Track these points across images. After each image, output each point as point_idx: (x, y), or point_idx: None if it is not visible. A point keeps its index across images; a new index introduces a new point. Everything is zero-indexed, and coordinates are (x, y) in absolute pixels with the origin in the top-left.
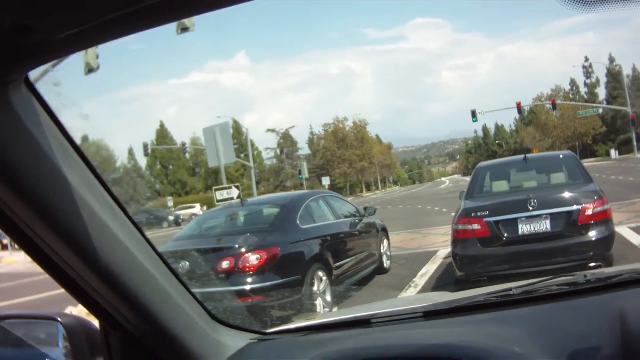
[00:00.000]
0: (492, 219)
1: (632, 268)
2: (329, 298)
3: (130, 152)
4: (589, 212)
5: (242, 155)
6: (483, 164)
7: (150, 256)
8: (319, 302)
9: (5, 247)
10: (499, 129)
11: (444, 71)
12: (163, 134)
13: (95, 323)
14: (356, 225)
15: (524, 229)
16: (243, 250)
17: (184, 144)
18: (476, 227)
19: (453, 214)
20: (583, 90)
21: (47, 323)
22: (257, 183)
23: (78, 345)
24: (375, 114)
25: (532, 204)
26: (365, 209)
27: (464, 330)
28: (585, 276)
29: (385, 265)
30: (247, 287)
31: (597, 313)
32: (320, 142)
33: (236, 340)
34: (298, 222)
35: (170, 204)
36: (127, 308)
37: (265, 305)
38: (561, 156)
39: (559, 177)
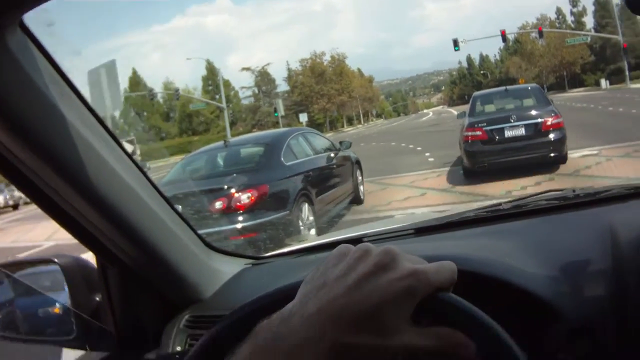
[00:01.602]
0: (488, 128)
1: (621, 184)
2: (314, 230)
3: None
4: (549, 123)
5: (217, 97)
6: (477, 93)
7: (145, 187)
8: (306, 233)
9: (16, 207)
10: (483, 59)
11: (427, 2)
12: (136, 81)
13: (92, 261)
14: (333, 159)
15: (508, 133)
16: (234, 190)
17: (151, 90)
18: (478, 133)
19: (428, 155)
20: (569, 19)
21: (48, 268)
22: (233, 123)
23: (75, 283)
24: (357, 48)
25: (513, 118)
26: (341, 143)
27: (455, 243)
28: (574, 191)
29: (360, 195)
30: (241, 225)
31: (587, 226)
32: (298, 78)
33: (231, 266)
34: (282, 159)
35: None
36: (124, 240)
37: (265, 240)
38: (529, 88)
39: (529, 102)
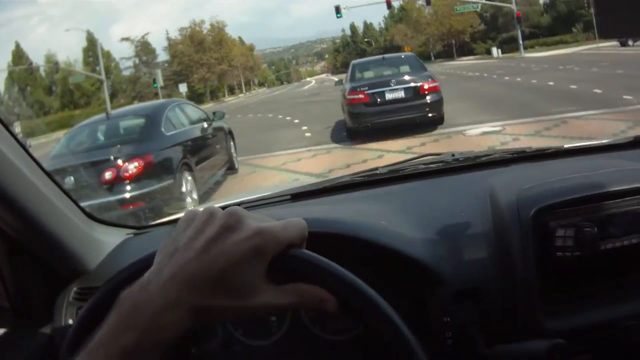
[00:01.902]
0: (370, 91)
1: (502, 149)
2: (195, 196)
3: None
4: (426, 86)
5: (97, 68)
6: (355, 61)
7: (26, 162)
8: (188, 201)
9: None
10: (367, 27)
11: None
12: (19, 55)
13: None
14: (207, 130)
15: (388, 96)
16: (120, 160)
17: (30, 63)
18: (361, 96)
19: (306, 129)
20: None
21: None
22: (114, 96)
23: None
24: (241, 16)
25: (393, 82)
26: (214, 113)
27: (331, 207)
28: (453, 155)
29: (235, 164)
30: (129, 195)
31: (467, 190)
32: (178, 48)
33: (113, 237)
34: (162, 129)
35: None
36: (9, 215)
37: (145, 209)
38: (405, 56)
39: (405, 68)
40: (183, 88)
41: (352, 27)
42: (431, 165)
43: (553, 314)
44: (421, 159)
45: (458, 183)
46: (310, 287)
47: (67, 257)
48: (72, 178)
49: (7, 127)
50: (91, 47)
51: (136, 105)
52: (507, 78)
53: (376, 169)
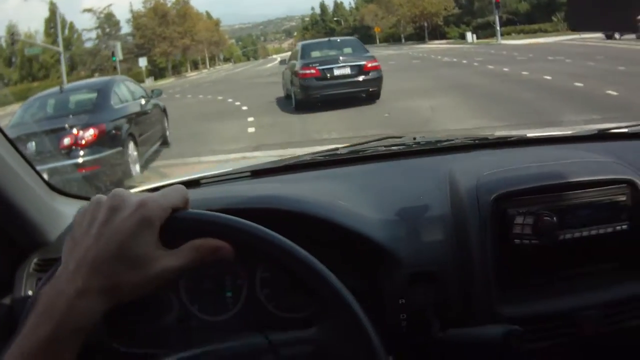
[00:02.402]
0: (320, 67)
1: (463, 135)
2: (138, 165)
3: None
4: (369, 65)
5: (58, 40)
6: (304, 42)
7: None
8: (133, 168)
9: None
10: (337, 5)
11: None
12: None
13: None
14: (146, 105)
15: (336, 72)
16: (76, 129)
17: (12, 34)
18: (313, 71)
19: (251, 121)
20: None
21: None
22: (73, 68)
23: None
24: None
25: (340, 60)
26: (152, 91)
27: (290, 185)
28: (415, 138)
29: (168, 139)
30: (85, 159)
31: (427, 174)
32: (141, 20)
33: (73, 208)
34: (111, 102)
35: None
36: None
37: (99, 173)
38: (347, 39)
39: (348, 50)
40: (143, 62)
41: (322, 6)
42: (392, 148)
43: (510, 301)
44: (382, 141)
45: (418, 166)
46: (202, 240)
47: (28, 227)
48: (33, 144)
49: None
50: (53, 17)
51: (87, 80)
52: (490, 67)
53: (337, 149)
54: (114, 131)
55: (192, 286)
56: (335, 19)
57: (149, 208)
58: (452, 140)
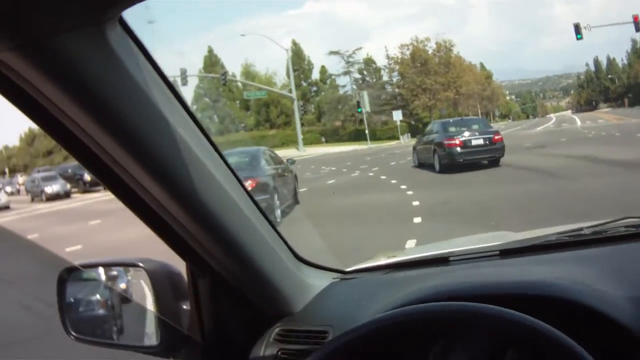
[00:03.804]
0: (462, 138)
1: None
2: (279, 210)
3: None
4: (496, 137)
5: (304, 83)
6: (439, 120)
7: (241, 195)
8: (277, 213)
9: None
10: (610, 62)
11: (556, 4)
12: (211, 61)
13: (178, 267)
14: (285, 170)
15: (473, 142)
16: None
17: (224, 73)
18: (456, 142)
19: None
20: None
21: (133, 272)
22: (319, 117)
23: (162, 290)
24: (491, 45)
25: (475, 134)
26: (288, 160)
27: (539, 268)
28: None
29: (298, 198)
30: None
31: None
32: (395, 67)
33: (319, 280)
34: (261, 165)
35: None
36: (219, 249)
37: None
38: (476, 118)
39: (476, 126)
40: (397, 116)
41: (596, 63)
42: (631, 229)
43: None
44: (621, 221)
45: None
46: None
47: (274, 297)
48: None
49: (224, 158)
50: (296, 59)
51: (240, 149)
52: None
53: (581, 229)
54: (264, 183)
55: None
56: (609, 76)
57: None
58: None
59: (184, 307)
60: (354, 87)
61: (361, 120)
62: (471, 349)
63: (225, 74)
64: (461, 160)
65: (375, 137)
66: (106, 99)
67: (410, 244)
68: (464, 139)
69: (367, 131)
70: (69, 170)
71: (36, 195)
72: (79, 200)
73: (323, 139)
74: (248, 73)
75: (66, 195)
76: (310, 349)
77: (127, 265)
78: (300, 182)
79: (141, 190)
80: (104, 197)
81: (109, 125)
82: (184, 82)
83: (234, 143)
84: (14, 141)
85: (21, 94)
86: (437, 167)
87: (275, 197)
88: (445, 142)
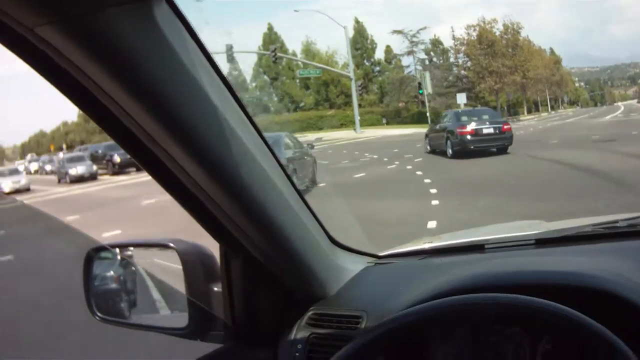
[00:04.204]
0: (474, 127)
1: None
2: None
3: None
4: (505, 127)
5: (367, 63)
6: (454, 110)
7: (280, 176)
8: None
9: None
10: None
11: None
12: (270, 40)
13: (210, 248)
14: (304, 153)
15: (484, 130)
16: None
17: (274, 49)
18: (469, 129)
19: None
20: None
21: (164, 252)
22: (381, 98)
23: (193, 272)
24: (560, 32)
25: (487, 123)
26: (308, 144)
27: (574, 259)
28: None
29: (316, 179)
30: None
31: None
32: (461, 49)
33: (354, 264)
34: (282, 148)
35: None
36: (254, 230)
37: None
38: (486, 109)
39: (486, 116)
40: (461, 99)
41: None
42: None
43: None
44: None
45: None
46: None
47: (309, 279)
48: None
49: (265, 140)
50: (358, 38)
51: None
52: None
53: (616, 221)
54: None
55: (471, 353)
56: None
57: None
58: None
59: (215, 289)
60: (418, 67)
61: (423, 102)
62: (502, 335)
63: (275, 50)
64: (472, 147)
65: None
66: (148, 77)
67: None
68: (475, 127)
69: (428, 113)
70: (99, 151)
71: (62, 177)
72: (103, 183)
73: (384, 121)
74: (308, 51)
75: (92, 177)
76: (343, 334)
77: (158, 245)
78: (323, 173)
79: (179, 171)
80: (130, 180)
81: (150, 105)
82: (230, 59)
83: (283, 124)
84: (72, 117)
85: (57, 69)
86: (449, 152)
87: (294, 178)
88: (458, 130)
